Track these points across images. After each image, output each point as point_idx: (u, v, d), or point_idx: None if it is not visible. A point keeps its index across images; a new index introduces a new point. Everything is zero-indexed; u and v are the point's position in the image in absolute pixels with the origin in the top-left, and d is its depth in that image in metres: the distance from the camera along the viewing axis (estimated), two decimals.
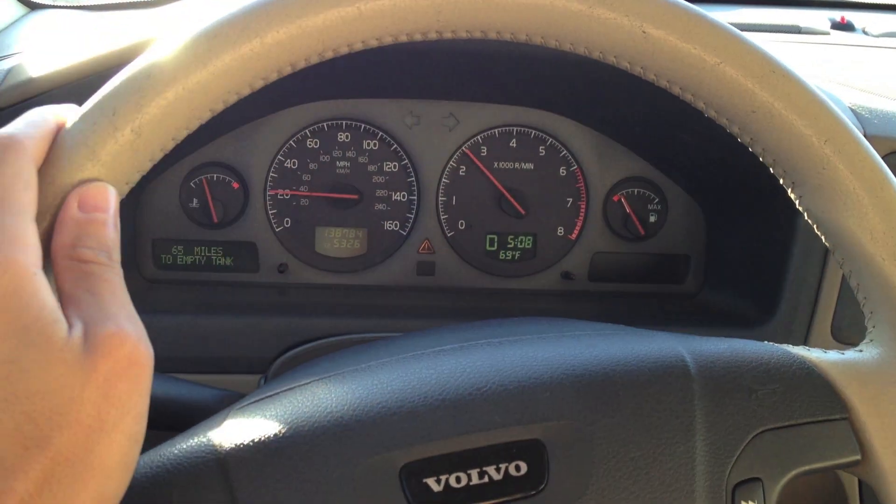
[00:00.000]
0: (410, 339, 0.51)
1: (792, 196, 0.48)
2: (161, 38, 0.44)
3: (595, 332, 0.50)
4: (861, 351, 0.47)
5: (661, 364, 0.45)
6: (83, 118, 0.39)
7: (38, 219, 0.37)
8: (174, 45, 0.40)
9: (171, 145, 0.41)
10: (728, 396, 0.44)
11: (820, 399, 0.45)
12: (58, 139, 0.39)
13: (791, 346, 0.48)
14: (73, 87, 0.75)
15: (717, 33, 0.44)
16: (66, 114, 0.39)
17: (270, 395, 0.45)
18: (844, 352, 0.48)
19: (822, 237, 0.48)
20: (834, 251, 0.48)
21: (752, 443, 0.44)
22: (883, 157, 0.79)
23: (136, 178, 0.40)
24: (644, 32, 0.44)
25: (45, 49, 0.86)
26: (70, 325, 0.35)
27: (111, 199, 0.38)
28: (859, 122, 0.82)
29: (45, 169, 0.38)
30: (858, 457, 0.45)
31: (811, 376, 0.46)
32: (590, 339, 0.48)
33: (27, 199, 0.36)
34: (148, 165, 0.40)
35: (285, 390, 0.45)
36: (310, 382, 0.46)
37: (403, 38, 0.43)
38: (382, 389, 0.43)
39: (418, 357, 0.47)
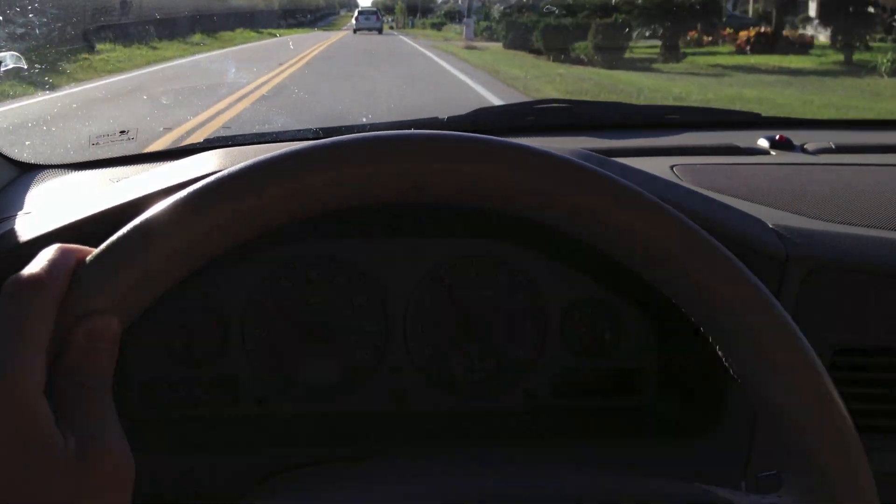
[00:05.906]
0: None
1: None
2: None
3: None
4: (780, 496, 0.51)
5: None
6: (98, 257, 0.46)
7: (51, 344, 0.43)
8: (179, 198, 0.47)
9: (173, 285, 0.47)
10: None
11: None
12: (76, 274, 0.45)
13: (719, 487, 0.52)
14: None
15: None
16: (84, 252, 0.46)
17: None
18: (764, 497, 0.52)
19: (745, 391, 0.52)
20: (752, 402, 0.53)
21: None
22: (804, 276, 0.88)
23: (140, 311, 0.47)
24: None
25: (37, 213, 0.94)
26: (66, 440, 0.41)
27: (115, 330, 0.45)
28: (781, 243, 0.89)
29: (63, 300, 0.44)
30: None
31: None
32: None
33: (44, 332, 0.43)
34: (151, 301, 0.47)
35: None
36: None
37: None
38: None
39: None
